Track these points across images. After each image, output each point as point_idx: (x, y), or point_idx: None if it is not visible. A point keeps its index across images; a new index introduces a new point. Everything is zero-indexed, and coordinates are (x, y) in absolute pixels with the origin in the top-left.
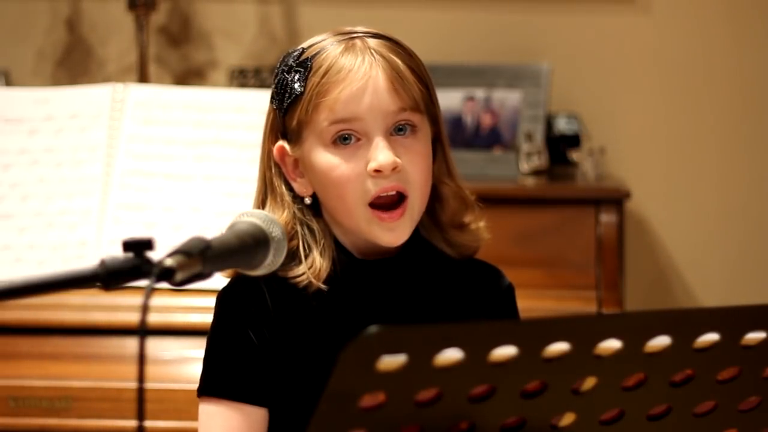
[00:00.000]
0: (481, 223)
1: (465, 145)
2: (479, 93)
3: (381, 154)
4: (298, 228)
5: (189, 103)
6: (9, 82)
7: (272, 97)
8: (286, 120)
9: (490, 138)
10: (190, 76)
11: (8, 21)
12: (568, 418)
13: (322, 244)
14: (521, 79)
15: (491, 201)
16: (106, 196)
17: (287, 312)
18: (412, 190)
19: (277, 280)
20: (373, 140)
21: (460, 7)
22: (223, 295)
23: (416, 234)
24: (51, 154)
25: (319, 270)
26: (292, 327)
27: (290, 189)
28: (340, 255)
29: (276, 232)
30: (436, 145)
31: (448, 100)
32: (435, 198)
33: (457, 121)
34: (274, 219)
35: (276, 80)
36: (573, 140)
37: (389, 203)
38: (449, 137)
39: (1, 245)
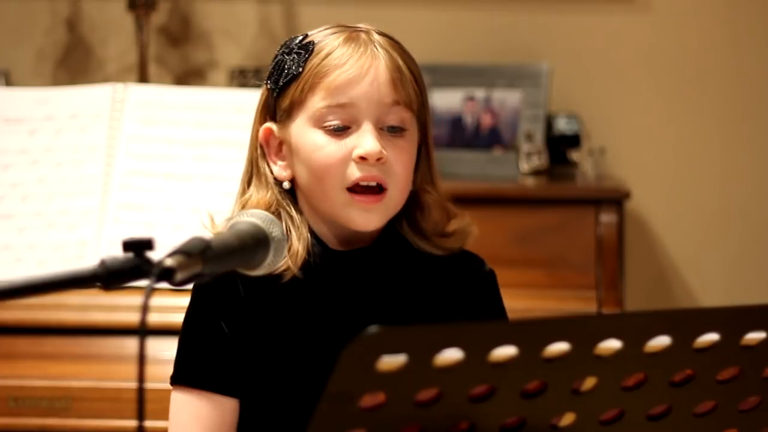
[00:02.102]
0: (465, 221)
1: (465, 145)
2: (479, 93)
3: (368, 142)
4: (281, 211)
5: (189, 103)
6: (9, 82)
7: (268, 77)
8: (279, 100)
9: (490, 138)
10: (190, 76)
11: (8, 21)
12: (568, 418)
13: (299, 231)
14: (521, 79)
15: (491, 201)
16: (106, 196)
17: (260, 303)
18: (392, 184)
19: None
20: (363, 128)
21: (460, 7)
22: (196, 285)
23: (391, 228)
24: (51, 154)
25: (297, 256)
26: (265, 318)
27: (273, 172)
28: (314, 245)
29: (276, 232)
30: (421, 151)
31: (448, 100)
32: (417, 206)
33: (457, 121)
34: (274, 219)
35: (274, 61)
36: (573, 140)
37: (368, 190)
38: (449, 137)
39: (1, 245)
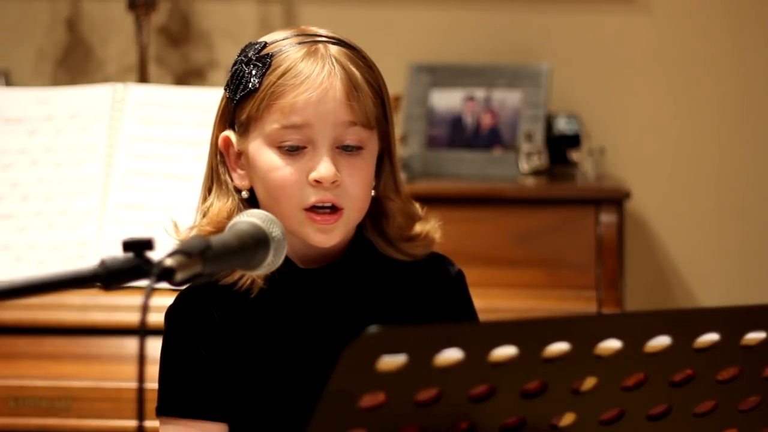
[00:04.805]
0: (430, 225)
1: (465, 145)
2: (479, 93)
3: (323, 166)
4: None
5: (189, 103)
6: (9, 82)
7: (227, 85)
8: (237, 111)
9: (490, 138)
10: (190, 76)
11: (8, 21)
12: (568, 418)
13: None
14: (521, 79)
15: (491, 201)
16: (106, 196)
17: (234, 323)
18: (348, 205)
19: (221, 292)
20: (319, 150)
21: (460, 7)
22: (170, 314)
23: (359, 236)
24: (51, 154)
25: None
26: (242, 338)
27: (232, 179)
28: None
29: (276, 232)
30: (384, 159)
31: (448, 100)
32: (381, 213)
33: (457, 121)
34: (274, 219)
35: (233, 69)
36: (573, 140)
37: (324, 210)
38: (449, 137)
39: (1, 245)
